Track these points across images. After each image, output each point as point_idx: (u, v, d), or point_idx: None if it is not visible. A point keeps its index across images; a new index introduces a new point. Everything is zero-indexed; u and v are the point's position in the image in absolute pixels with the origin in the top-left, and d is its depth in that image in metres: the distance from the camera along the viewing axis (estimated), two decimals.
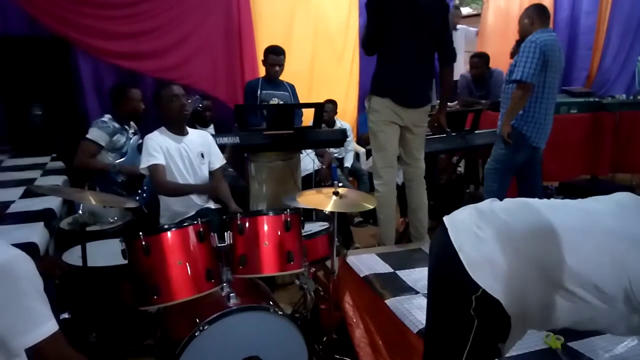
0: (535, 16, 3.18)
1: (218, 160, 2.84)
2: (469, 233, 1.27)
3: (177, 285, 1.85)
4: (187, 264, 1.87)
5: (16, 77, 3.96)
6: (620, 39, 6.10)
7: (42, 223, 2.49)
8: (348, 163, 4.74)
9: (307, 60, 5.01)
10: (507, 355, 1.71)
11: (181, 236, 1.89)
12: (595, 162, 4.60)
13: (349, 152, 4.79)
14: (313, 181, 3.82)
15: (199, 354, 1.81)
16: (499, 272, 1.21)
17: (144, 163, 2.57)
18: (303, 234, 2.20)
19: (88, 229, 2.52)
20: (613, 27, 6.12)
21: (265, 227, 2.04)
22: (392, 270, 2.51)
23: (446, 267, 1.31)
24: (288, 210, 2.09)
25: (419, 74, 3.04)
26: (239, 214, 2.03)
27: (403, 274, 2.47)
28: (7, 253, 1.18)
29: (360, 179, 4.68)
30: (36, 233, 2.34)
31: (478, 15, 6.41)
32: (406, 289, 2.29)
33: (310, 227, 2.55)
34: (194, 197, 2.74)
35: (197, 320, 1.84)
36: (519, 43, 3.29)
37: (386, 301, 2.19)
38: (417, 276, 2.43)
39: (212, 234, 1.98)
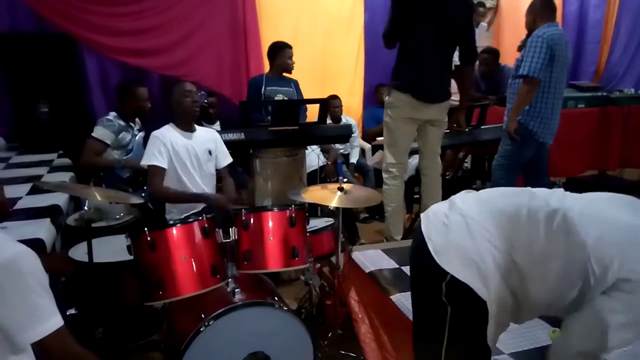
0: (540, 10, 3.15)
1: (225, 158, 2.85)
2: (438, 223, 1.31)
3: (182, 281, 1.86)
4: (193, 259, 1.88)
5: (23, 74, 3.98)
6: (629, 33, 6.03)
7: (48, 219, 2.49)
8: (354, 159, 4.72)
9: (312, 56, 4.99)
10: (511, 351, 1.71)
11: (186, 232, 1.90)
12: (604, 158, 4.56)
13: (355, 148, 4.77)
14: (318, 177, 3.81)
15: (204, 349, 1.82)
16: (467, 256, 1.22)
17: (146, 160, 2.58)
18: (308, 230, 2.21)
19: (94, 225, 2.54)
20: (622, 21, 6.06)
21: (270, 223, 2.04)
22: (398, 266, 2.50)
23: (419, 258, 1.34)
24: (293, 206, 2.08)
25: (440, 69, 3.05)
26: (243, 210, 2.03)
27: (408, 270, 2.46)
28: (13, 249, 1.19)
29: (365, 175, 4.66)
30: (43, 229, 2.35)
31: (491, 9, 6.33)
32: None
33: (316, 223, 2.55)
34: None
35: (203, 315, 1.85)
36: (527, 37, 3.27)
37: (391, 297, 2.18)
38: None
39: (217, 229, 1.99)
